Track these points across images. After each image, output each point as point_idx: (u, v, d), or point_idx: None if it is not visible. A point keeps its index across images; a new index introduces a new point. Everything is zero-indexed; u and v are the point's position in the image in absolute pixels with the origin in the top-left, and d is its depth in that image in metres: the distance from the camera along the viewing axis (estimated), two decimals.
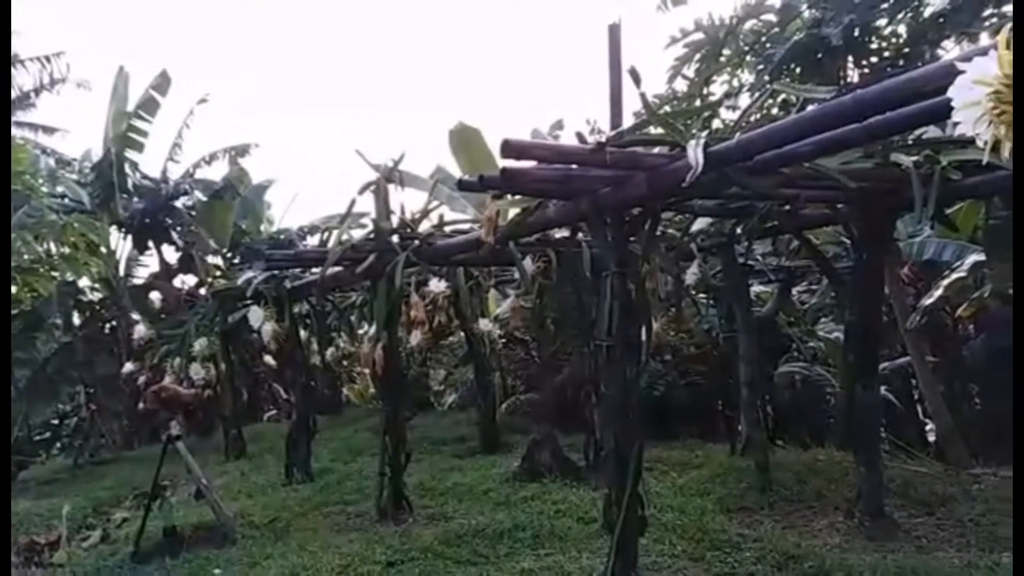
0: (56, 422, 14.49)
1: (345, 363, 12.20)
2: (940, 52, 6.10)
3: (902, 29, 6.38)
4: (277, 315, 7.91)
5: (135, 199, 13.12)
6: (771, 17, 6.89)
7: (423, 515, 6.11)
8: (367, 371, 7.59)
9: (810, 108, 3.33)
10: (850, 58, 6.34)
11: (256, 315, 7.89)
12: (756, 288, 8.73)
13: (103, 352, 12.90)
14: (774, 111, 6.67)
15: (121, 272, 13.50)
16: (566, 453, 7.21)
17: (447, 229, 6.33)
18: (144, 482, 6.73)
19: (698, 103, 7.35)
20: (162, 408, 9.53)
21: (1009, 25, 1.59)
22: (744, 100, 7.09)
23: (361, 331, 10.03)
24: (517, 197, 4.46)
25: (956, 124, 1.70)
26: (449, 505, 6.35)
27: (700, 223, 5.81)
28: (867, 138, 3.18)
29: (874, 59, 6.41)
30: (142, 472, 8.05)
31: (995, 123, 1.58)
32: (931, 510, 5.38)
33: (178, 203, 13.43)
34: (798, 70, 6.32)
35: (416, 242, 6.06)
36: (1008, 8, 5.57)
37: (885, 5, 6.02)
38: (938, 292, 6.87)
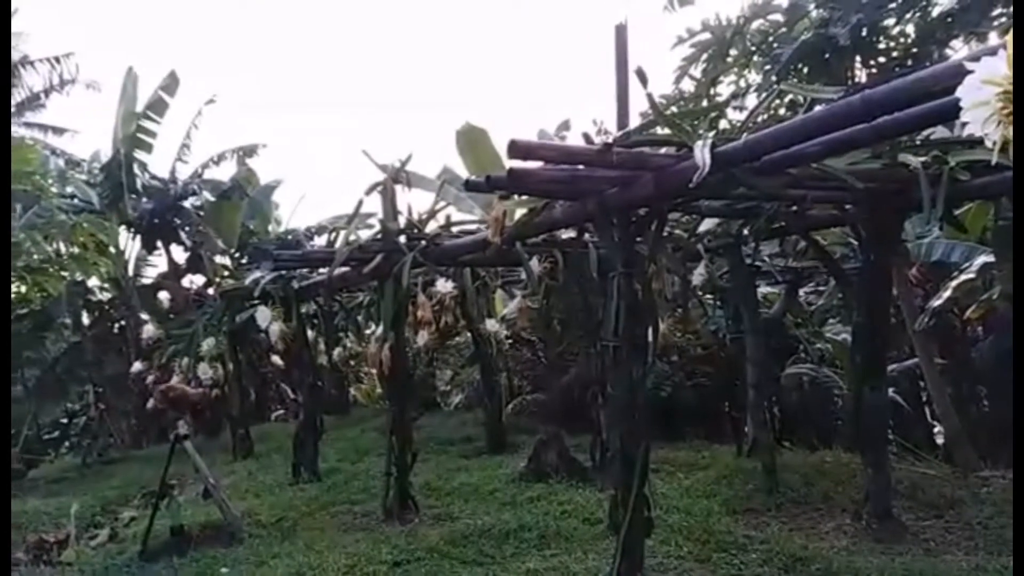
0: (65, 421, 14.58)
1: (352, 363, 12.22)
2: (949, 52, 6.07)
3: (910, 29, 6.35)
4: (284, 315, 7.94)
5: (144, 199, 13.19)
6: (778, 17, 6.86)
7: (429, 515, 6.11)
8: (374, 371, 7.60)
9: (818, 108, 3.32)
10: (858, 58, 6.30)
11: (264, 315, 7.92)
12: (763, 289, 8.71)
13: (112, 352, 12.98)
14: (781, 111, 6.65)
15: (130, 272, 13.57)
16: (572, 454, 7.20)
17: (454, 229, 6.34)
18: (152, 481, 6.76)
19: (705, 103, 7.32)
20: (170, 407, 9.55)
21: None
22: (751, 100, 7.06)
23: (368, 331, 10.02)
24: (524, 197, 4.47)
25: (965, 124, 1.68)
26: (455, 505, 6.36)
27: (707, 224, 5.80)
28: (875, 138, 3.17)
29: (882, 59, 6.38)
30: (150, 471, 8.10)
31: (1004, 123, 1.57)
32: (939, 512, 5.36)
33: (187, 203, 13.50)
34: (805, 70, 6.30)
35: (423, 242, 6.07)
36: None
37: (893, 5, 5.99)
38: (946, 293, 6.83)
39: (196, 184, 13.89)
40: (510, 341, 10.14)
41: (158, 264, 14.39)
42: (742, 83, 7.44)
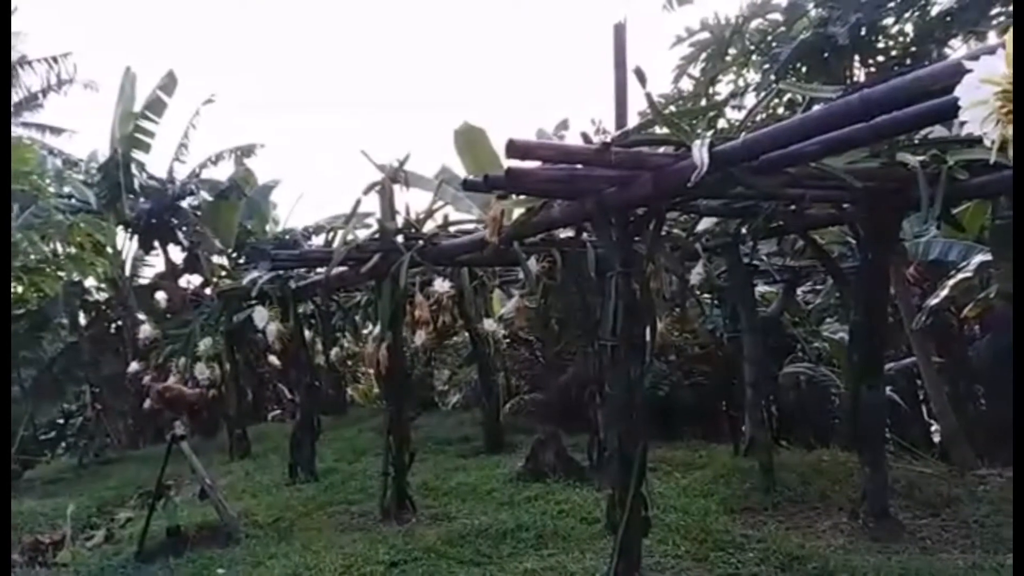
0: (62, 421, 14.55)
1: (349, 363, 12.23)
2: (947, 51, 6.06)
3: (909, 28, 6.35)
4: (282, 315, 7.93)
5: (141, 199, 13.16)
6: (777, 16, 6.85)
7: (427, 515, 6.11)
8: (371, 371, 7.60)
9: (816, 107, 3.32)
10: (856, 57, 6.30)
11: (261, 315, 7.90)
12: (761, 288, 8.71)
13: (109, 352, 12.95)
14: (780, 111, 6.64)
15: (127, 272, 13.56)
16: (570, 453, 7.20)
17: (452, 229, 6.34)
18: (148, 482, 6.75)
19: (703, 103, 7.31)
20: (166, 408, 9.56)
21: None
22: (750, 100, 7.05)
23: (366, 331, 10.04)
24: (522, 197, 4.46)
25: (963, 123, 1.68)
26: (452, 505, 6.35)
27: (705, 223, 5.80)
28: (873, 137, 3.17)
29: (881, 58, 6.37)
30: (147, 472, 8.08)
31: (1003, 122, 1.57)
32: (936, 511, 5.36)
33: (184, 203, 13.48)
34: (804, 69, 6.29)
35: (421, 242, 6.07)
36: None
37: (892, 4, 5.98)
38: (944, 292, 6.84)
39: (194, 184, 13.88)
40: (508, 341, 10.15)
41: (155, 264, 14.40)
42: (741, 82, 7.43)
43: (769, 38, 6.78)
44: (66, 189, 13.28)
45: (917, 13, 6.09)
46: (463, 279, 7.55)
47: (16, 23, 11.88)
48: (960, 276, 6.75)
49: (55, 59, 13.33)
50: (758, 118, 4.69)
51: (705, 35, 7.20)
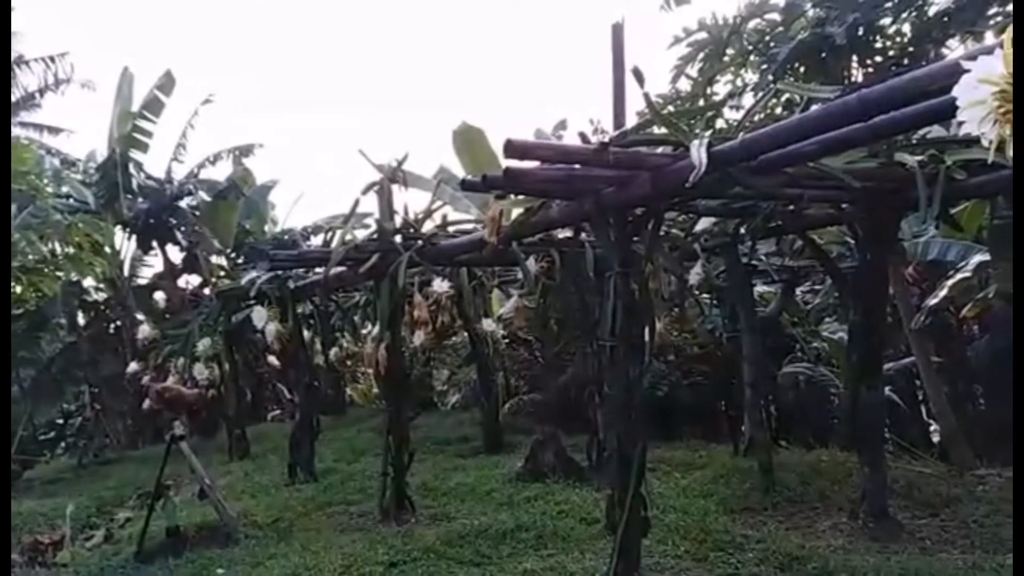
0: (61, 422, 14.54)
1: (349, 363, 12.20)
2: (945, 51, 6.07)
3: (907, 28, 6.35)
4: (281, 315, 7.92)
5: (140, 199, 13.15)
6: (775, 16, 6.85)
7: (426, 515, 6.10)
8: (370, 371, 7.60)
9: (814, 107, 3.32)
10: (854, 57, 6.30)
11: (260, 315, 7.90)
12: (760, 288, 8.71)
13: (107, 352, 12.94)
14: (778, 111, 6.64)
15: (125, 272, 13.55)
16: (569, 453, 7.20)
17: (450, 229, 6.33)
18: (148, 482, 6.74)
19: (702, 103, 7.32)
20: (165, 408, 9.55)
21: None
22: (748, 100, 7.06)
23: (365, 331, 10.03)
24: (520, 197, 4.46)
25: (961, 123, 1.68)
26: (452, 505, 6.35)
27: (704, 223, 5.80)
28: (871, 137, 3.17)
29: (879, 58, 6.38)
30: (146, 472, 8.07)
31: (1000, 122, 1.57)
32: (935, 511, 5.36)
33: (182, 203, 13.48)
34: (802, 69, 6.30)
35: (419, 242, 6.06)
36: None
37: (889, 4, 5.99)
38: (943, 292, 6.85)
39: (192, 184, 13.87)
40: (507, 341, 10.15)
41: (154, 264, 14.39)
42: (739, 82, 7.43)
43: (767, 38, 6.78)
44: (64, 189, 13.28)
45: (915, 13, 6.09)
46: (462, 279, 7.55)
47: (14, 23, 11.87)
48: (959, 276, 6.75)
49: (52, 59, 13.32)
50: (756, 118, 4.69)
51: (703, 35, 7.21)
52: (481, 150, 10.05)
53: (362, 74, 49.30)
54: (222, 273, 13.46)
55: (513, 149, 3.35)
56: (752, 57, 7.05)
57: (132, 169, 12.96)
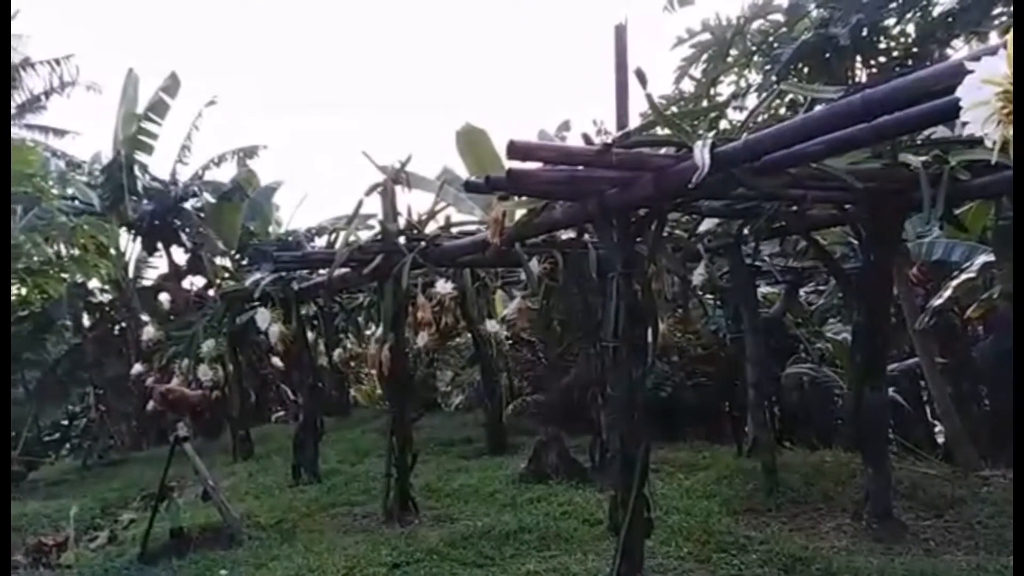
0: (65, 423, 14.58)
1: (352, 364, 12.21)
2: (949, 51, 6.06)
3: (911, 28, 6.34)
4: (284, 317, 7.93)
5: (144, 201, 13.19)
6: (778, 17, 6.85)
7: (429, 516, 6.11)
8: (374, 372, 7.60)
9: (818, 108, 3.31)
10: (858, 58, 6.30)
11: (264, 317, 7.91)
12: (763, 289, 8.70)
13: (112, 354, 12.98)
14: (782, 111, 6.64)
15: (130, 274, 13.58)
16: (573, 454, 7.20)
17: (454, 230, 6.34)
18: (152, 483, 6.76)
19: (705, 103, 7.31)
20: (169, 409, 9.56)
21: None
22: (751, 100, 7.05)
23: (368, 332, 10.04)
24: (524, 198, 4.46)
25: (965, 124, 1.68)
26: (455, 506, 6.35)
27: (707, 224, 5.79)
28: (875, 138, 3.16)
29: (882, 59, 6.37)
30: (150, 473, 8.10)
31: (1004, 123, 1.56)
32: (939, 512, 5.35)
33: (187, 205, 13.51)
34: (806, 70, 6.29)
35: (423, 243, 6.07)
36: None
37: (894, 4, 5.98)
38: (947, 293, 6.83)
39: (196, 186, 13.90)
40: (510, 342, 10.13)
41: (158, 266, 14.42)
42: (742, 83, 7.43)
43: (770, 39, 6.78)
44: (69, 191, 13.30)
45: (919, 13, 6.08)
46: (465, 280, 7.54)
47: (19, 25, 11.92)
48: (963, 277, 6.73)
49: (57, 61, 13.36)
50: (760, 119, 4.69)
51: (706, 36, 7.20)
52: (484, 151, 10.05)
53: (366, 76, 49.39)
54: (226, 275, 13.48)
55: (516, 150, 3.35)
56: (756, 58, 7.04)
57: (137, 171, 13.00)
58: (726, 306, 7.68)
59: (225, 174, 14.62)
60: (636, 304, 3.96)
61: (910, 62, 6.10)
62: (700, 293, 7.61)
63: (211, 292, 12.43)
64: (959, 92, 1.66)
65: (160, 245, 13.52)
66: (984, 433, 7.62)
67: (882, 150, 3.77)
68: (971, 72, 1.62)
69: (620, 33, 4.25)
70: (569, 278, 6.28)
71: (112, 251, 12.99)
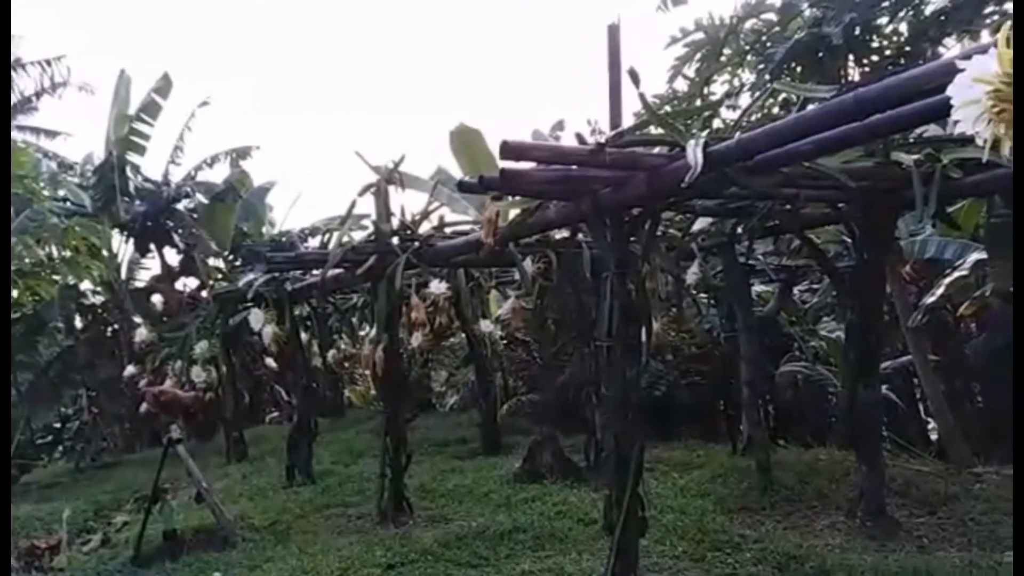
0: (58, 426, 14.52)
1: (346, 365, 12.19)
2: (942, 50, 6.08)
3: (903, 27, 6.36)
4: (278, 317, 7.91)
5: (137, 202, 13.12)
6: (772, 16, 6.87)
7: (424, 517, 6.10)
8: (368, 373, 7.59)
9: (811, 107, 3.31)
10: (851, 57, 6.32)
11: (257, 318, 7.88)
12: (757, 288, 8.71)
13: (105, 355, 12.91)
14: (775, 110, 6.65)
15: (123, 275, 13.52)
16: (567, 454, 7.20)
17: (447, 231, 6.33)
18: (145, 485, 6.73)
19: (698, 103, 7.33)
20: (162, 411, 9.53)
21: (1009, 23, 1.58)
22: (745, 100, 7.07)
23: (362, 333, 10.02)
24: (517, 198, 4.45)
25: (956, 122, 1.68)
26: (450, 507, 6.34)
27: (701, 223, 5.79)
28: (868, 137, 3.17)
29: (875, 57, 6.39)
30: (143, 475, 8.05)
31: (994, 121, 1.57)
32: (933, 509, 5.37)
33: (179, 206, 13.44)
34: (799, 69, 6.31)
35: (416, 244, 6.06)
36: (1009, 5, 5.55)
37: (886, 3, 6.00)
38: (940, 290, 6.86)
39: (189, 186, 13.84)
40: (504, 342, 10.14)
41: (151, 267, 14.34)
42: (735, 82, 7.45)
43: (764, 38, 6.80)
44: (61, 192, 13.23)
45: (911, 12, 6.10)
46: (459, 280, 7.54)
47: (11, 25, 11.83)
48: (956, 274, 6.77)
49: (48, 62, 13.31)
50: (753, 118, 4.69)
51: (700, 35, 7.22)
52: (479, 151, 10.03)
53: (360, 76, 49.28)
54: (219, 276, 13.45)
55: (509, 150, 3.34)
56: (749, 57, 7.06)
57: (129, 172, 12.92)
58: (720, 305, 7.69)
59: (218, 175, 14.58)
60: (630, 303, 3.96)
61: (903, 61, 6.12)
62: (694, 292, 7.62)
63: (204, 293, 12.41)
64: (949, 91, 1.66)
65: (152, 246, 13.46)
66: (977, 430, 7.66)
67: (875, 149, 3.77)
68: (962, 71, 1.63)
69: (613, 33, 4.24)
70: (563, 278, 6.27)
71: (104, 252, 12.93)
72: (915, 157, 3.63)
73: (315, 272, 7.26)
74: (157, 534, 5.76)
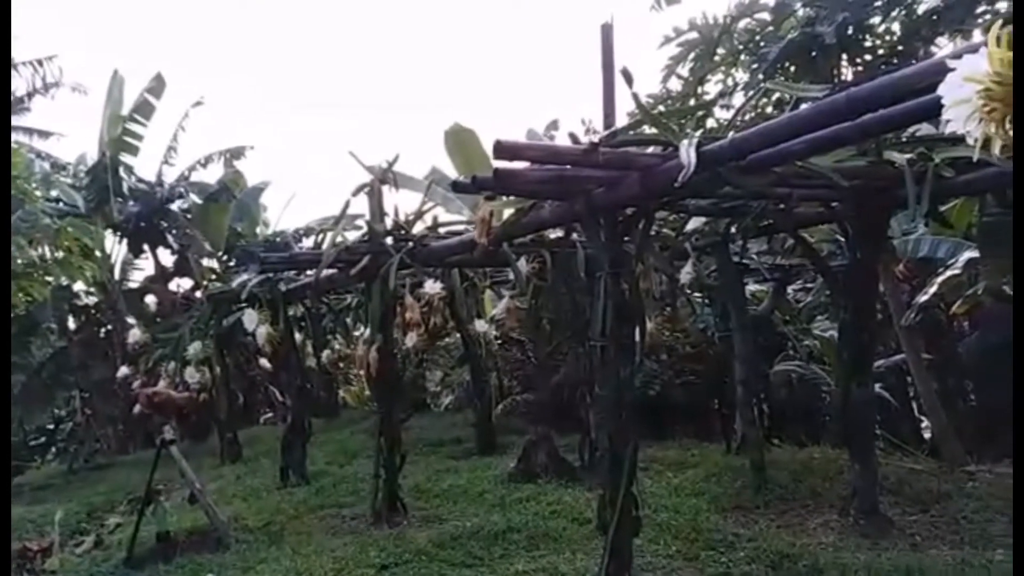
0: (51, 427, 14.48)
1: (341, 365, 12.18)
2: (934, 49, 6.09)
3: (896, 27, 6.38)
4: (272, 318, 7.89)
5: (130, 203, 13.10)
6: (765, 16, 6.88)
7: (418, 517, 6.09)
8: (362, 373, 7.57)
9: (804, 106, 3.32)
10: (844, 56, 6.33)
11: (251, 318, 7.86)
12: (751, 287, 8.73)
13: (98, 356, 12.88)
14: (768, 110, 6.66)
15: (116, 276, 13.48)
16: (562, 454, 7.20)
17: (441, 230, 6.32)
18: (138, 487, 6.70)
19: (692, 102, 7.33)
20: (155, 412, 9.50)
21: (1000, 22, 1.58)
22: (738, 99, 7.08)
23: (356, 333, 10.00)
24: (511, 198, 4.45)
25: (947, 122, 1.68)
26: (444, 507, 6.33)
27: (694, 222, 5.80)
28: (860, 136, 3.18)
29: (868, 57, 6.40)
30: (136, 477, 8.03)
31: (985, 120, 1.57)
32: (926, 507, 5.38)
33: (173, 206, 13.43)
34: (792, 68, 6.32)
35: (410, 244, 6.05)
36: (1002, 5, 5.57)
37: (879, 3, 6.01)
38: (932, 289, 6.87)
39: (183, 187, 13.82)
40: (499, 342, 10.13)
41: (144, 268, 14.33)
42: (729, 82, 7.45)
43: (757, 38, 6.80)
44: (53, 193, 13.18)
45: (903, 12, 6.12)
46: (454, 280, 7.52)
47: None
48: (948, 273, 6.77)
49: (40, 62, 13.24)
50: (746, 117, 4.71)
51: (693, 35, 7.22)
52: (473, 151, 10.03)
53: (354, 76, 49.24)
54: (213, 276, 13.41)
55: (503, 150, 3.34)
56: (742, 56, 7.07)
57: (122, 172, 12.90)
58: (714, 304, 7.70)
59: (212, 175, 14.57)
60: (624, 303, 3.96)
61: (895, 60, 6.14)
62: (688, 291, 7.63)
63: (198, 294, 12.36)
64: (940, 90, 1.66)
65: (146, 247, 13.43)
66: (970, 428, 7.68)
67: (867, 148, 3.78)
68: (952, 70, 1.63)
69: (607, 32, 4.26)
70: (557, 277, 6.28)
71: (97, 253, 12.86)
72: (907, 156, 3.64)
73: (309, 272, 7.25)
74: (150, 536, 5.75)
